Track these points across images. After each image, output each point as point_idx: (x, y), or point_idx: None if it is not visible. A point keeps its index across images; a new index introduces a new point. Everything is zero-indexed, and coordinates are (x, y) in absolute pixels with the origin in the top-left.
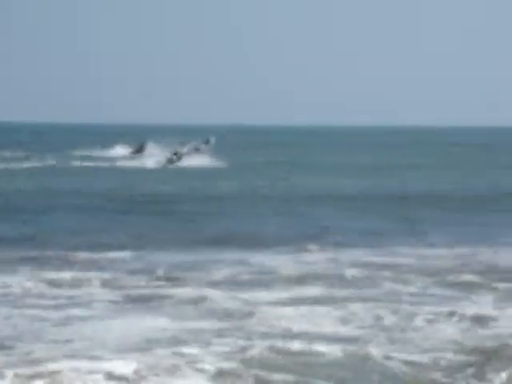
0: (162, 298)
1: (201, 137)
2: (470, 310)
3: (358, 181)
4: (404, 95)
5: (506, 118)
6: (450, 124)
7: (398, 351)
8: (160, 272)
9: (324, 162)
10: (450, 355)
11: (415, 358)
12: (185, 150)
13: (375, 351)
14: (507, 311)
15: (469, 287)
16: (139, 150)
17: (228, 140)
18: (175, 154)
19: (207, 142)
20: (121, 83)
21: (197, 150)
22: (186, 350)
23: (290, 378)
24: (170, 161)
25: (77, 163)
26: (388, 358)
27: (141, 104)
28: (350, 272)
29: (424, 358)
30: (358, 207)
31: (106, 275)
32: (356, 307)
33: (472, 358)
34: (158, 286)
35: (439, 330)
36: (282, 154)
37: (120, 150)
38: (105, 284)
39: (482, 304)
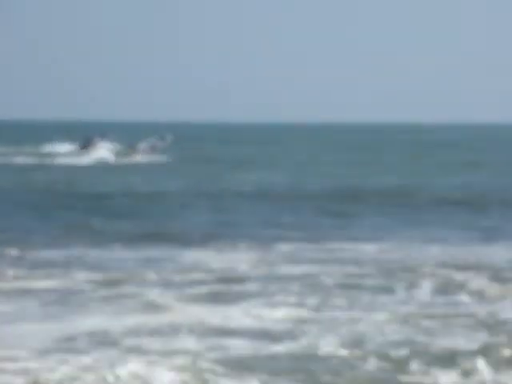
0: (89, 295)
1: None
2: (401, 305)
3: (296, 178)
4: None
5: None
6: (451, 121)
7: (332, 344)
8: (83, 270)
9: (277, 158)
10: (381, 348)
11: (348, 350)
12: (141, 146)
13: (310, 345)
14: (437, 305)
15: (398, 281)
16: (86, 145)
17: (195, 137)
18: (129, 149)
19: (163, 138)
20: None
21: (152, 147)
22: (113, 345)
23: (231, 372)
24: (122, 155)
25: (17, 159)
26: (323, 351)
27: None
28: (281, 267)
29: (357, 351)
30: (292, 203)
31: (35, 272)
32: (287, 301)
33: (401, 352)
34: (86, 283)
35: (372, 322)
36: (240, 152)
37: (66, 146)
38: (32, 280)
39: (414, 298)
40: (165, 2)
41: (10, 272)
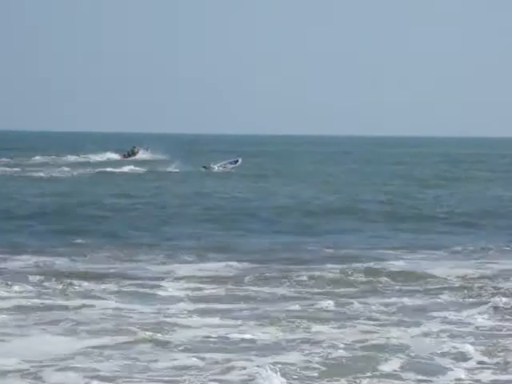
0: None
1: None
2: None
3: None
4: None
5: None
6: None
7: None
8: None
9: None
10: None
11: None
12: (215, 166)
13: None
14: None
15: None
16: (130, 154)
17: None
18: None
19: (236, 162)
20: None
21: (224, 167)
22: None
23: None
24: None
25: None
26: None
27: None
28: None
29: None
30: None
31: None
32: None
33: None
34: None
35: None
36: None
37: (108, 155)
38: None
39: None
40: (165, 2)
41: None
